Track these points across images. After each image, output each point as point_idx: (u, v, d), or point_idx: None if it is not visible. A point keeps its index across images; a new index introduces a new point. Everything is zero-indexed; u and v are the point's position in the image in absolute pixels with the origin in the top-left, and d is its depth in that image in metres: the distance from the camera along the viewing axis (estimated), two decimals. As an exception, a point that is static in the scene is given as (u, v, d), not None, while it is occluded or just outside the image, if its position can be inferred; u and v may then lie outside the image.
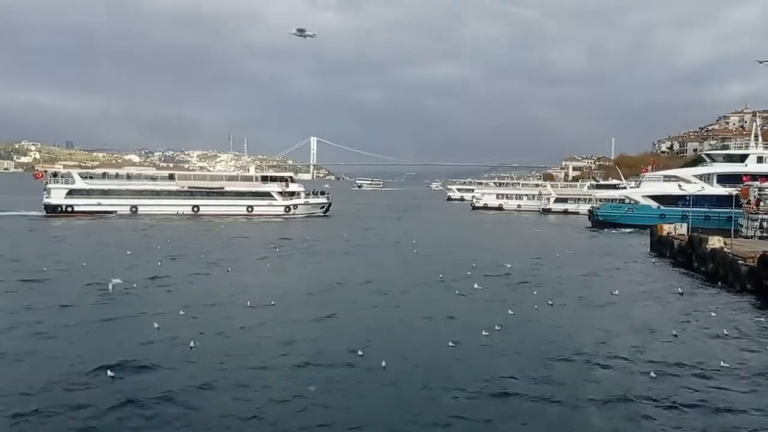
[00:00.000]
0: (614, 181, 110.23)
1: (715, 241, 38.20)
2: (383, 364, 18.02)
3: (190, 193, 79.16)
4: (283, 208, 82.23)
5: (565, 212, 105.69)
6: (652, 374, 17.82)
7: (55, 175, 78.47)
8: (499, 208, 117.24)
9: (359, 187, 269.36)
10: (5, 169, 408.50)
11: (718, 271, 35.78)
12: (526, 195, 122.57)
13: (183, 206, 77.87)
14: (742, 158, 73.11)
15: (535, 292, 30.35)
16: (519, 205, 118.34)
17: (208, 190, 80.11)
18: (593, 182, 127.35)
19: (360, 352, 19.03)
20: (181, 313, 23.87)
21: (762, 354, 20.15)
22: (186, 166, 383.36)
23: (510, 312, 25.32)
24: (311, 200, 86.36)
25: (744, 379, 17.56)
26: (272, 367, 17.79)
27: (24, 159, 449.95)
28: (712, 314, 26.12)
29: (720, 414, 15.00)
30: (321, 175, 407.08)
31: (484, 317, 24.16)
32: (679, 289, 31.91)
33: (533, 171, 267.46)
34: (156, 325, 21.77)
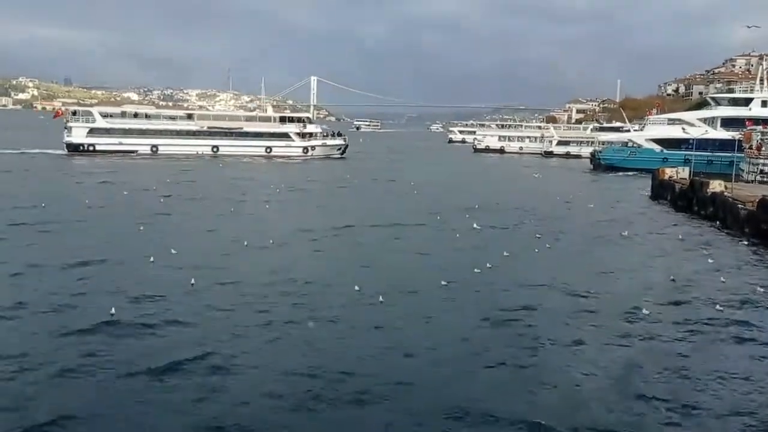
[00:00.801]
0: (618, 124, 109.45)
1: (715, 185, 38.14)
2: (380, 299, 18.26)
3: (210, 134, 78.93)
4: (301, 150, 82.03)
5: (567, 155, 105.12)
6: (647, 313, 18.01)
7: (74, 113, 77.82)
8: (501, 151, 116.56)
9: (357, 128, 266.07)
10: (3, 105, 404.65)
11: (717, 215, 35.87)
12: (529, 137, 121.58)
13: (203, 146, 77.95)
14: (747, 102, 72.25)
15: (537, 236, 30.40)
16: (521, 148, 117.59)
17: (227, 131, 79.82)
18: (596, 125, 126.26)
19: (357, 287, 19.18)
20: (173, 251, 23.85)
21: (758, 297, 20.30)
22: (185, 105, 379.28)
23: (505, 253, 25.37)
24: (329, 141, 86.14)
25: (738, 323, 17.68)
26: (270, 304, 17.88)
27: (22, 96, 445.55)
28: (710, 258, 26.22)
29: (712, 358, 15.09)
30: (321, 116, 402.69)
31: (479, 257, 24.26)
32: (680, 235, 31.98)
33: (536, 113, 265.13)
34: (152, 258, 22.33)
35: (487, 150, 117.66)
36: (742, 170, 50.41)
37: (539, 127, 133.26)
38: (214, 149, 78.28)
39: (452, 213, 36.45)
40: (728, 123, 68.55)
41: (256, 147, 79.81)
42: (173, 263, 22.23)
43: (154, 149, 76.28)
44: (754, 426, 11.67)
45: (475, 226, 31.53)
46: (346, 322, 16.68)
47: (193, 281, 19.58)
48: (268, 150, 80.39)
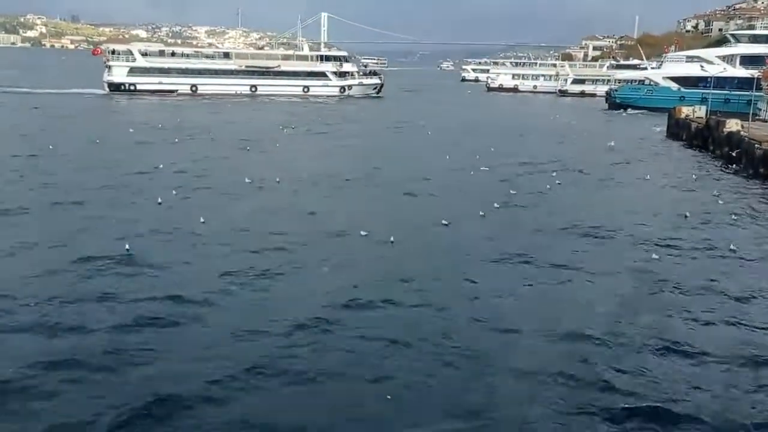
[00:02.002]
0: (635, 62, 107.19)
1: (732, 125, 37.84)
2: (391, 239, 18.59)
3: (248, 73, 78.25)
4: (338, 89, 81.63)
5: (582, 94, 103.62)
6: (657, 255, 18.28)
7: (113, 52, 76.91)
8: (515, 90, 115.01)
9: (364, 66, 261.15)
10: (12, 43, 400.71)
11: (733, 155, 35.74)
12: (543, 75, 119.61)
13: (241, 86, 77.46)
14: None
15: (553, 173, 30.53)
16: (535, 86, 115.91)
17: (264, 70, 79.09)
18: (613, 62, 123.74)
19: (363, 232, 19.25)
20: (174, 192, 24.07)
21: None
22: (194, 42, 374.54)
23: (512, 191, 25.59)
24: (365, 81, 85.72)
25: (752, 262, 17.99)
26: (282, 248, 18.04)
27: (30, 33, 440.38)
28: (723, 197, 26.40)
29: (724, 297, 15.30)
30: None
31: (488, 196, 24.51)
32: (693, 175, 32.00)
33: (552, 51, 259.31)
34: (159, 200, 22.63)
35: (501, 89, 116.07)
36: (760, 109, 49.77)
37: (554, 65, 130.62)
38: (252, 89, 77.90)
39: (463, 153, 36.53)
40: (748, 61, 67.08)
41: (294, 86, 79.30)
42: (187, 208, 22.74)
43: (194, 89, 75.79)
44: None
45: (483, 167, 31.51)
46: (360, 261, 17.15)
47: (202, 219, 20.09)
48: (306, 89, 79.91)
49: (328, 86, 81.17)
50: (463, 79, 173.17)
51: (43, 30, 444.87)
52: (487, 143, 40.17)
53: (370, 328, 12.82)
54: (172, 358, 11.43)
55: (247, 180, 26.48)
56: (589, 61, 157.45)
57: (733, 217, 22.90)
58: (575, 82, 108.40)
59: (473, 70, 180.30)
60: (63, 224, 19.41)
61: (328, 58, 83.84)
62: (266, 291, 14.70)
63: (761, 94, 51.53)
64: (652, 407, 10.24)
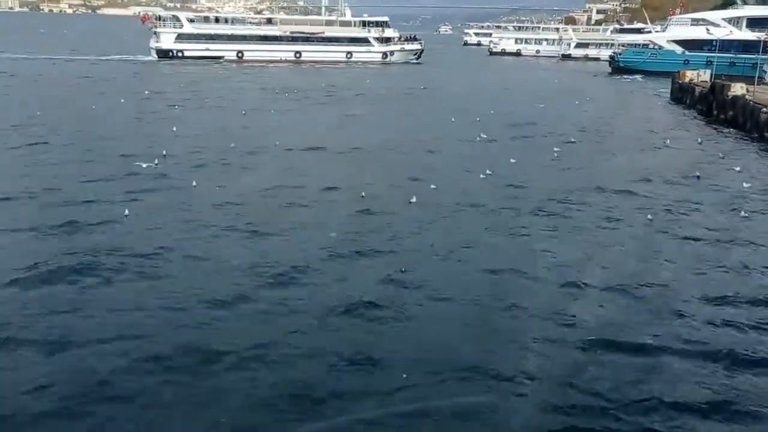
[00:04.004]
0: (639, 25, 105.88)
1: (737, 88, 37.26)
2: (413, 199, 18.54)
3: (292, 39, 78.06)
4: (380, 55, 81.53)
5: (586, 58, 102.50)
6: (672, 213, 18.27)
7: (159, 18, 76.74)
8: (518, 54, 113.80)
9: None
10: (10, 8, 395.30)
11: (737, 119, 35.31)
12: (546, 40, 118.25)
13: (286, 52, 77.27)
14: (777, 1, 69.49)
15: (556, 136, 30.18)
16: (538, 51, 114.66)
17: (308, 36, 78.87)
18: (617, 26, 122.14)
19: (362, 194, 19.25)
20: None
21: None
22: (194, 6, 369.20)
23: (512, 160, 24.88)
24: (407, 46, 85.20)
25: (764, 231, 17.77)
26: (306, 209, 18.13)
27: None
28: (730, 163, 26.05)
29: (736, 269, 14.88)
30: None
31: (486, 163, 24.17)
32: (698, 139, 31.59)
33: (555, 15, 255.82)
34: (157, 158, 22.33)
35: (503, 53, 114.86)
36: (766, 72, 49.05)
37: (557, 30, 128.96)
38: (297, 54, 77.75)
39: (465, 117, 36.14)
40: (755, 23, 66.05)
41: (337, 52, 79.25)
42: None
43: (240, 55, 75.54)
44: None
45: (482, 134, 30.88)
46: (378, 222, 16.99)
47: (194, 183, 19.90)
48: (349, 55, 79.83)
49: (370, 52, 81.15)
50: (465, 44, 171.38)
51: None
52: (487, 108, 39.73)
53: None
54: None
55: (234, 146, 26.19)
56: (593, 24, 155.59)
57: (743, 183, 22.24)
58: (579, 46, 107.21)
59: (475, 34, 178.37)
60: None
61: (370, 24, 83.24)
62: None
63: (767, 57, 50.76)
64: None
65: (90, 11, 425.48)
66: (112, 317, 11.42)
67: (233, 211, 17.57)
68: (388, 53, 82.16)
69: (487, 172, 22.51)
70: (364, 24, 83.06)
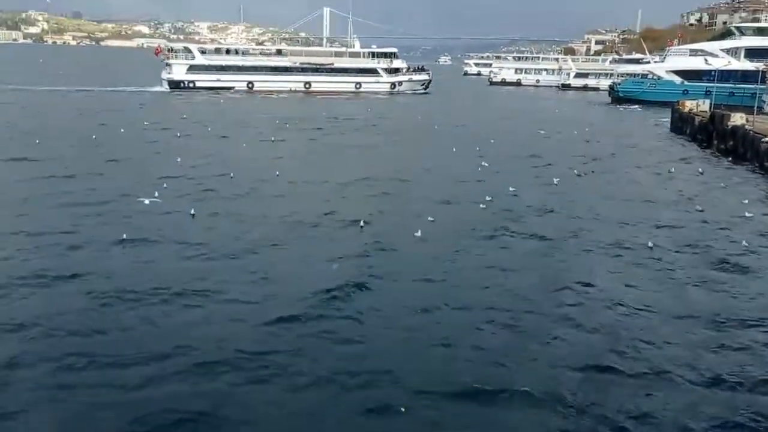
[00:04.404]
0: (638, 56, 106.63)
1: (737, 118, 37.31)
2: (419, 234, 18.28)
3: (302, 70, 78.99)
4: (389, 85, 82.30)
5: (585, 88, 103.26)
6: (674, 242, 18.12)
7: (171, 50, 78.20)
8: (518, 83, 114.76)
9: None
10: (14, 39, 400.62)
11: (737, 149, 35.29)
12: (546, 70, 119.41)
13: (295, 83, 78.18)
14: (773, 32, 70.09)
15: (556, 165, 30.14)
16: (538, 80, 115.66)
17: (318, 67, 79.73)
18: (616, 57, 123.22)
19: (362, 223, 19.23)
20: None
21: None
22: (196, 38, 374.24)
23: (511, 189, 24.84)
24: (414, 77, 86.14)
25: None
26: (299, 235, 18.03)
27: (32, 29, 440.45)
28: (730, 193, 26.00)
29: (736, 294, 14.98)
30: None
31: (486, 192, 24.09)
32: (699, 169, 31.51)
33: (554, 45, 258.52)
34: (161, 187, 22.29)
35: (503, 83, 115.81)
36: (765, 102, 49.25)
37: (557, 60, 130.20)
38: (307, 85, 78.52)
39: (467, 146, 36.16)
40: (753, 54, 66.53)
41: (347, 83, 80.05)
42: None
43: (250, 85, 76.44)
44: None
45: (483, 163, 30.81)
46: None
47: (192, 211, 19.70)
48: (358, 86, 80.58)
49: (379, 82, 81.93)
50: (466, 74, 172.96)
51: (45, 26, 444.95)
52: (487, 137, 39.82)
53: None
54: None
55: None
56: (592, 55, 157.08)
57: (746, 212, 22.18)
58: (578, 76, 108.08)
59: (475, 64, 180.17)
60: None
61: (379, 55, 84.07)
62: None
63: (766, 87, 51.03)
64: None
65: (94, 43, 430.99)
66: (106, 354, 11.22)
67: (230, 243, 17.40)
68: (397, 83, 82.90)
69: (487, 198, 22.63)
70: (372, 55, 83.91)
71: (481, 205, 22.06)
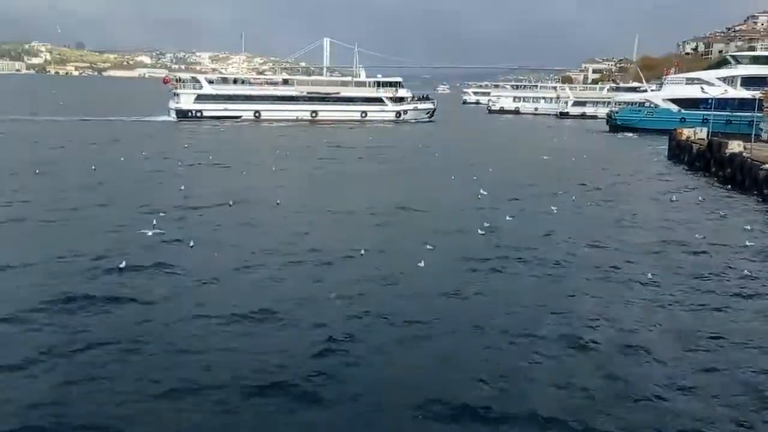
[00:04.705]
0: (635, 84, 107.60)
1: (734, 146, 37.50)
2: (421, 264, 18.22)
3: (309, 99, 79.83)
4: (394, 114, 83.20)
5: (583, 116, 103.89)
6: (674, 272, 17.98)
7: (178, 80, 79.25)
8: (516, 112, 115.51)
9: None
10: (17, 70, 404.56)
11: (735, 177, 35.38)
12: (544, 98, 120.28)
13: (302, 111, 78.95)
14: (769, 60, 70.76)
15: (555, 193, 30.22)
16: (536, 109, 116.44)
17: (324, 96, 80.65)
18: (613, 85, 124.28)
19: (362, 251, 19.26)
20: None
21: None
22: (198, 68, 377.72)
23: (508, 218, 24.85)
24: (419, 105, 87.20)
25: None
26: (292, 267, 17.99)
27: (35, 60, 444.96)
28: (729, 219, 26.01)
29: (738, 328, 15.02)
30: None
31: (483, 220, 24.13)
32: (700, 197, 31.57)
33: (552, 74, 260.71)
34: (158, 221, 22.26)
35: (502, 111, 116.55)
36: (762, 130, 49.53)
37: (554, 88, 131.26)
38: (313, 114, 79.27)
39: (466, 173, 36.29)
40: (749, 82, 67.18)
41: (352, 111, 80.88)
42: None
43: (257, 114, 77.12)
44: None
45: (482, 191, 30.88)
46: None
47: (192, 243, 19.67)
48: (363, 114, 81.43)
49: (384, 111, 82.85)
50: (464, 102, 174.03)
51: (48, 57, 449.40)
52: (485, 166, 39.98)
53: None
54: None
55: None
56: (589, 83, 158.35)
57: (746, 241, 22.23)
58: (576, 104, 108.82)
59: (474, 93, 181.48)
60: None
61: (384, 84, 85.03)
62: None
63: (762, 115, 51.36)
64: None
65: (96, 73, 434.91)
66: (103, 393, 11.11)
67: (228, 274, 17.36)
68: (402, 112, 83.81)
69: (485, 225, 22.80)
70: (378, 84, 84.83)
71: (480, 231, 22.21)
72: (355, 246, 19.74)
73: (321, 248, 19.80)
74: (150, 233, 20.87)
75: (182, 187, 29.46)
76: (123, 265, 17.17)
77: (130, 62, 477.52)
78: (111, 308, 14.63)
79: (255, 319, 14.22)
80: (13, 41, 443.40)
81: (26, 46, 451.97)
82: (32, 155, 39.69)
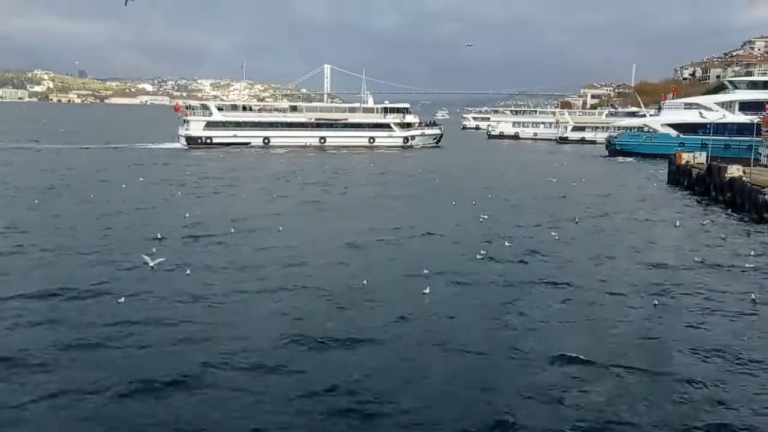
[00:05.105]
0: (634, 109, 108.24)
1: (733, 170, 37.69)
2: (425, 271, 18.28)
3: (317, 125, 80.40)
4: (401, 140, 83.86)
5: (582, 141, 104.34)
6: (677, 297, 17.91)
7: (188, 107, 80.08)
8: (516, 137, 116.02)
9: None
10: (19, 98, 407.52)
11: (735, 201, 35.49)
12: (543, 123, 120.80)
13: (311, 138, 79.46)
14: (766, 85, 71.20)
15: (557, 218, 30.29)
16: (535, 134, 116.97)
17: (333, 122, 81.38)
18: (612, 110, 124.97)
19: (364, 282, 19.16)
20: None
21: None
22: (199, 95, 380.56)
23: (507, 244, 24.86)
24: (427, 131, 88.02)
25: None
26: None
27: (37, 88, 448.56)
28: (730, 243, 26.04)
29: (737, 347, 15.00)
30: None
31: (483, 245, 24.29)
32: (702, 221, 31.62)
33: (551, 99, 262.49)
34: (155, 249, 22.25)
35: (502, 136, 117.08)
36: (761, 154, 49.76)
37: (554, 113, 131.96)
38: (322, 140, 79.73)
39: (466, 198, 36.39)
40: (747, 107, 67.57)
41: (361, 138, 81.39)
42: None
43: (266, 141, 77.41)
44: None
45: (482, 216, 31.06)
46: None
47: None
48: (371, 140, 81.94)
49: (392, 137, 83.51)
50: (464, 127, 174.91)
51: (51, 85, 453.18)
52: (487, 190, 40.12)
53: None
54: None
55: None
56: (588, 109, 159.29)
57: (746, 264, 22.35)
58: (575, 129, 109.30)
59: (473, 118, 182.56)
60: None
61: (391, 111, 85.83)
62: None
63: (761, 139, 51.62)
64: None
65: (98, 101, 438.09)
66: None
67: (223, 300, 17.37)
68: (409, 138, 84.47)
69: (482, 252, 22.85)
70: (385, 110, 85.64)
71: (478, 256, 22.40)
72: (357, 275, 19.65)
73: (322, 277, 19.75)
74: (150, 261, 20.82)
75: (187, 215, 29.58)
76: (122, 300, 17.05)
77: (132, 89, 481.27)
78: (109, 341, 14.62)
79: (251, 357, 13.92)
80: (17, 69, 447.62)
81: (29, 74, 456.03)
82: (47, 181, 39.91)
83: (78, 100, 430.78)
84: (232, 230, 26.42)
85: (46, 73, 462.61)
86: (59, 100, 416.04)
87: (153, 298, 17.37)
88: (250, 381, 12.64)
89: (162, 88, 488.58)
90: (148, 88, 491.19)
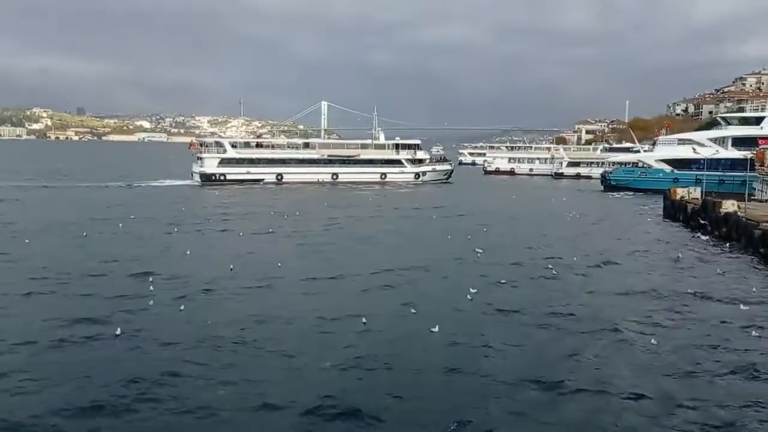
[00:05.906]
0: (628, 145, 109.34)
1: (728, 205, 37.99)
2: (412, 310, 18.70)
3: (329, 161, 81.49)
4: (413, 175, 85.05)
5: (578, 176, 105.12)
6: (676, 336, 17.99)
7: (202, 144, 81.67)
8: (511, 173, 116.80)
9: None
10: (18, 135, 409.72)
11: (731, 235, 35.72)
12: (539, 159, 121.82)
13: (323, 174, 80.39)
14: (758, 121, 72.14)
15: (541, 255, 30.45)
16: (531, 169, 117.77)
17: (345, 158, 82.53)
18: (606, 146, 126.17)
19: (363, 320, 19.16)
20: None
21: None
22: (197, 131, 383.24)
23: (502, 281, 24.93)
24: (438, 167, 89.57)
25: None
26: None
27: (35, 126, 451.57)
28: (727, 278, 26.16)
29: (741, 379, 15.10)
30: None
31: (475, 283, 24.40)
32: (700, 256, 31.78)
33: (546, 135, 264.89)
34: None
35: (498, 172, 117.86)
36: (755, 189, 50.24)
37: (549, 149, 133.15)
38: (334, 176, 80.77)
39: (463, 233, 36.56)
40: (739, 142, 68.42)
41: (372, 173, 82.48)
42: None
43: (279, 177, 78.37)
44: None
45: (478, 250, 31.32)
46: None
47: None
48: (383, 176, 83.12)
49: (404, 173, 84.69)
50: (460, 163, 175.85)
51: (49, 122, 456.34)
52: (483, 226, 40.33)
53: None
54: None
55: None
56: (583, 144, 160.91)
57: (744, 296, 22.53)
58: (570, 164, 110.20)
59: (470, 154, 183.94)
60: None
61: (403, 147, 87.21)
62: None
63: (755, 174, 52.17)
64: None
65: (96, 138, 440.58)
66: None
67: (217, 339, 17.33)
68: (420, 174, 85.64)
69: (472, 290, 22.61)
70: (397, 147, 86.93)
71: (468, 296, 22.21)
72: (357, 312, 19.58)
73: (322, 316, 19.71)
74: (148, 299, 20.87)
75: (188, 252, 29.68)
76: (119, 332, 17.18)
77: (130, 126, 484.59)
78: (106, 371, 14.64)
79: (247, 399, 13.78)
80: (15, 107, 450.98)
81: (27, 112, 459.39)
82: (63, 217, 40.06)
83: (76, 138, 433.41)
84: (231, 267, 26.38)
85: (44, 111, 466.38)
86: (57, 138, 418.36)
87: (144, 337, 17.36)
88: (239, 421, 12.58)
89: (159, 125, 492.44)
90: (146, 124, 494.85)
